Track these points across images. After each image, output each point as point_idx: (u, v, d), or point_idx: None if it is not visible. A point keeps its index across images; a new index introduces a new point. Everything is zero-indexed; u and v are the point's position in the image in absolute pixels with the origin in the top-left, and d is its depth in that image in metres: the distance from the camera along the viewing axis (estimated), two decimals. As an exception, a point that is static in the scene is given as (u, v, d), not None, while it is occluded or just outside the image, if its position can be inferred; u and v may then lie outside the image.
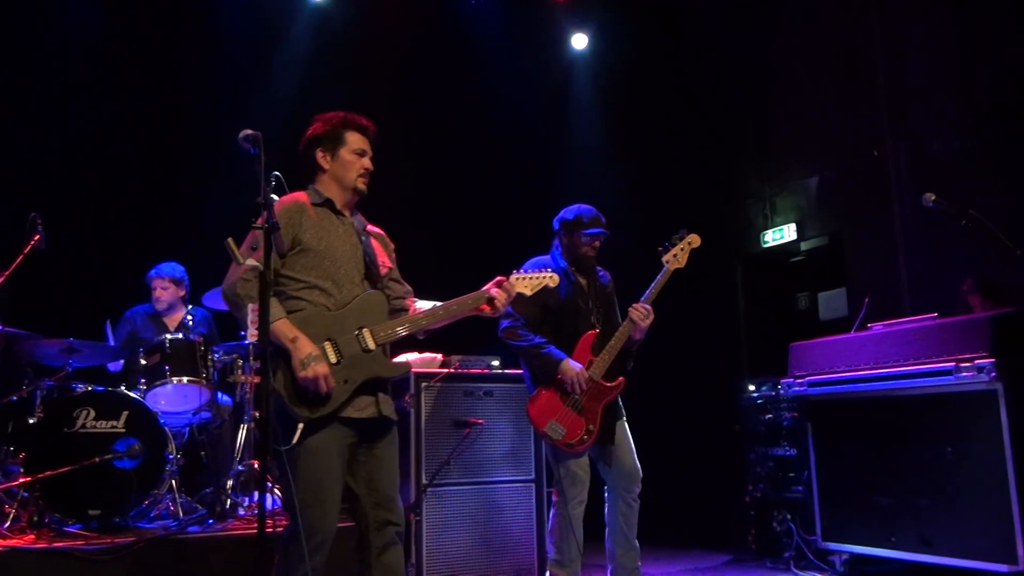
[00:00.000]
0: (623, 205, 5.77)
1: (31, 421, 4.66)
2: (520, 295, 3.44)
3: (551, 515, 4.31)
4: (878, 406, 4.78)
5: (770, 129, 7.61)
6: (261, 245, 2.89)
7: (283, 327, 2.99)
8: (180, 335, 5.06)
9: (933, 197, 4.54)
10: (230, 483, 4.91)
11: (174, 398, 5.00)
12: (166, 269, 5.58)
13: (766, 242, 7.53)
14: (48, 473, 4.27)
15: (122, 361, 5.40)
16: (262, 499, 2.95)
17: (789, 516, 5.52)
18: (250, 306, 3.10)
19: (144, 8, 6.64)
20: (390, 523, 3.18)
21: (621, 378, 4.24)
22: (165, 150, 6.57)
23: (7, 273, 4.67)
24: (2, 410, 4.81)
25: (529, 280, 3.45)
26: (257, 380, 5.03)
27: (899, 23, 6.55)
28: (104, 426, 4.56)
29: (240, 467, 4.97)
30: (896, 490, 4.66)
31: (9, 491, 4.45)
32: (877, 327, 4.97)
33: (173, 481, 4.78)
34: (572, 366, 4.12)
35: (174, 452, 4.80)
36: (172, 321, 5.61)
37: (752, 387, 6.16)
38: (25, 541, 4.10)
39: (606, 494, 4.36)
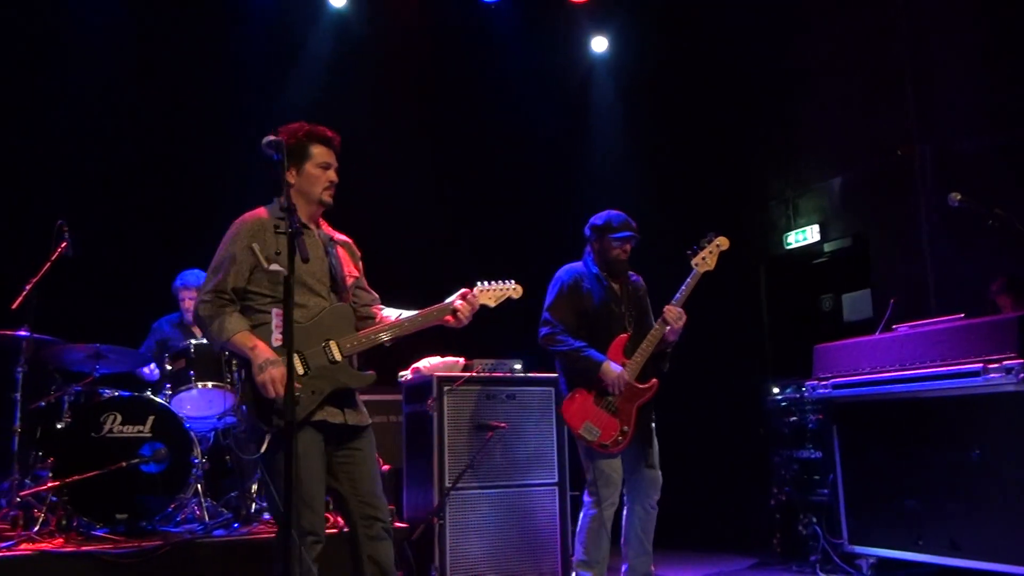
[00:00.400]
0: (644, 207, 5.74)
1: (59, 426, 4.72)
2: (484, 306, 3.42)
3: (581, 516, 4.35)
4: (904, 408, 4.73)
5: (793, 129, 7.56)
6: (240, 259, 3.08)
7: (242, 338, 3.07)
8: (205, 340, 5.10)
9: (959, 196, 4.50)
10: (255, 487, 4.94)
11: (199, 403, 5.05)
12: (190, 278, 5.61)
13: (789, 244, 7.48)
14: (76, 477, 4.32)
15: (157, 369, 5.46)
16: (287, 502, 2.97)
17: (815, 519, 5.47)
18: (274, 310, 3.14)
19: (168, 18, 6.71)
20: (376, 519, 3.23)
21: (654, 380, 4.31)
22: (190, 156, 6.63)
23: (35, 280, 4.73)
24: (31, 415, 4.87)
25: (493, 292, 3.44)
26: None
27: (924, 20, 6.49)
28: (131, 431, 4.61)
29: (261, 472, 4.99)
30: (923, 493, 4.61)
31: (38, 495, 4.50)
32: (903, 328, 4.92)
33: (199, 485, 4.82)
34: (612, 368, 4.21)
35: (199, 456, 4.84)
36: (199, 328, 5.66)
37: (776, 389, 6.11)
38: (54, 545, 4.15)
39: (625, 498, 4.40)
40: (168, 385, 5.05)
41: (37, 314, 4.72)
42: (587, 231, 4.53)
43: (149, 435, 4.62)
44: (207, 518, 4.74)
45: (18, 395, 4.68)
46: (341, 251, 3.45)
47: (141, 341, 5.68)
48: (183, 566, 4.12)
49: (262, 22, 6.97)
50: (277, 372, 3.00)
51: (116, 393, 4.78)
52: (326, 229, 3.46)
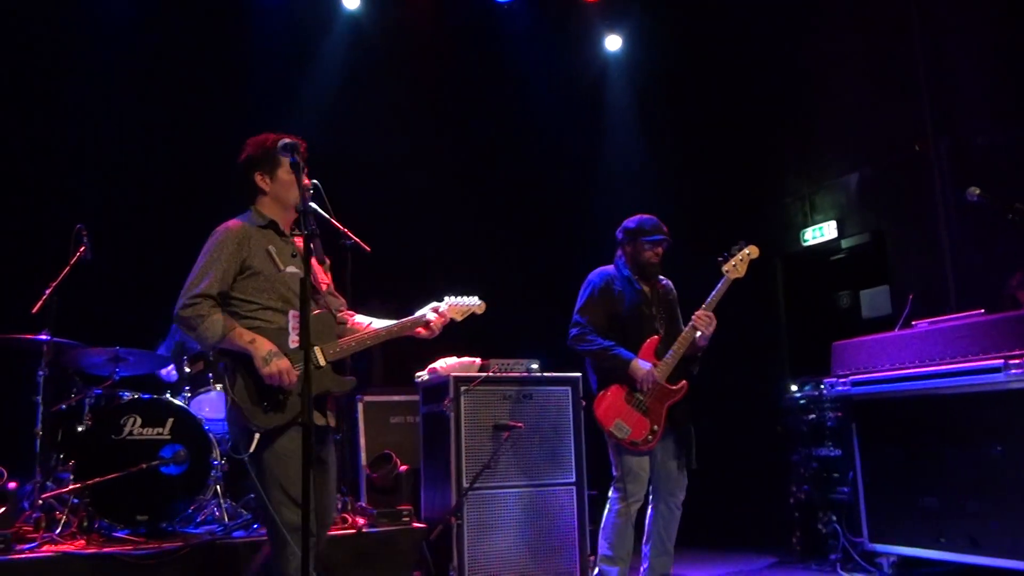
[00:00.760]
0: (660, 206, 5.72)
1: (80, 429, 4.76)
2: (452, 320, 3.58)
3: (607, 511, 4.40)
4: (924, 405, 4.69)
5: (809, 126, 7.51)
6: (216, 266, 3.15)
7: (239, 333, 3.13)
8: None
9: (978, 191, 4.46)
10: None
11: (218, 405, 5.08)
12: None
13: (806, 240, 7.44)
14: (97, 480, 4.36)
15: (175, 371, 5.50)
16: (305, 503, 3.00)
17: (835, 517, 5.44)
18: (291, 312, 3.19)
19: (184, 21, 6.75)
20: (319, 536, 3.29)
21: (684, 381, 4.37)
22: (206, 160, 6.67)
23: (55, 285, 4.78)
24: (52, 418, 4.91)
25: (459, 308, 3.60)
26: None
27: (939, 12, 6.43)
28: (150, 433, 4.65)
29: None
30: (944, 490, 4.57)
31: (60, 497, 4.54)
32: (922, 324, 4.89)
33: (218, 487, 4.85)
34: (642, 365, 4.27)
35: (219, 458, 4.87)
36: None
37: (794, 387, 6.08)
38: (76, 546, 4.19)
39: (650, 497, 4.44)
40: (187, 387, 5.08)
41: (57, 318, 4.76)
42: (619, 234, 4.59)
43: (169, 437, 4.65)
44: (227, 519, 4.77)
45: (39, 398, 4.72)
46: (312, 259, 3.51)
47: (159, 344, 5.72)
48: (203, 567, 4.14)
49: (276, 26, 7.01)
50: (284, 363, 3.09)
51: (136, 396, 4.82)
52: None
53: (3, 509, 4.13)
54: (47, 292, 4.75)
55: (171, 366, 5.55)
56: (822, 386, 5.63)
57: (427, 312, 3.51)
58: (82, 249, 4.88)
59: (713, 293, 4.32)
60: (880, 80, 6.84)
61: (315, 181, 3.35)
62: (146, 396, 4.82)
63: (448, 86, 7.72)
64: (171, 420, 4.70)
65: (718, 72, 7.94)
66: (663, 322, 4.49)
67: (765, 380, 7.00)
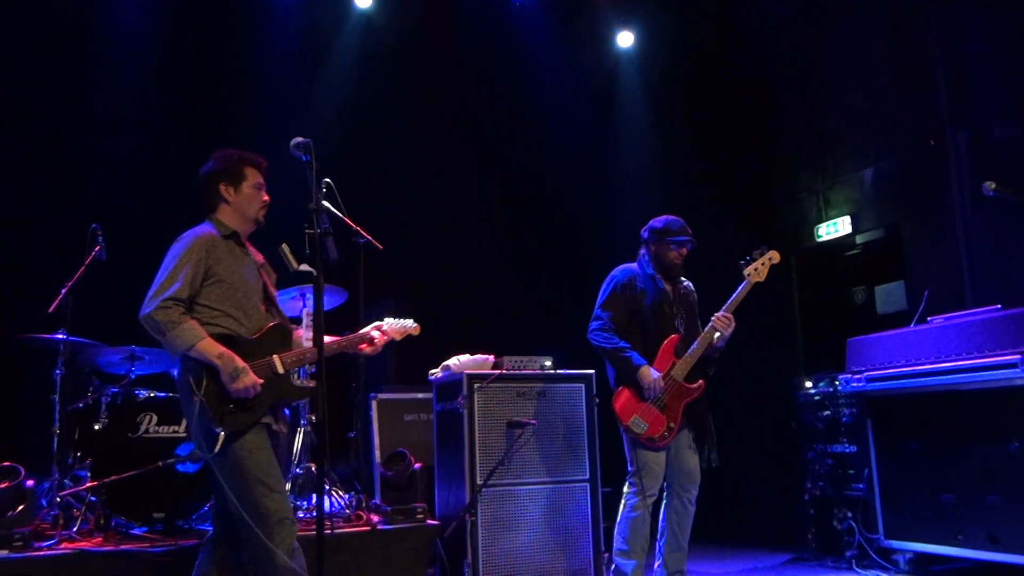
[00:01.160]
0: (673, 202, 5.72)
1: (97, 427, 4.79)
2: (392, 340, 3.80)
3: (622, 506, 4.44)
4: (940, 401, 4.67)
5: (822, 120, 7.46)
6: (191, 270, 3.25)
7: (207, 345, 3.23)
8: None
9: (994, 185, 4.42)
10: (288, 486, 4.98)
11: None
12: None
13: (820, 236, 7.40)
14: (114, 477, 4.39)
15: None
16: (320, 501, 3.05)
17: (850, 514, 5.41)
18: (304, 310, 3.22)
19: (196, 22, 6.78)
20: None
21: (701, 381, 4.43)
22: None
23: (70, 284, 4.81)
24: (69, 417, 4.95)
25: (398, 329, 3.80)
26: (312, 385, 5.10)
27: (957, 6, 6.37)
28: (167, 431, 4.68)
29: (298, 471, 5.04)
30: (961, 487, 4.55)
31: (78, 495, 4.58)
32: (938, 320, 4.86)
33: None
34: (651, 373, 4.31)
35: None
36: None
37: (809, 383, 6.06)
38: (93, 543, 4.22)
39: (665, 493, 4.48)
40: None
41: (73, 317, 4.80)
42: (645, 233, 4.63)
43: (185, 435, 4.68)
44: (242, 517, 4.78)
45: (56, 397, 4.77)
46: (262, 272, 3.65)
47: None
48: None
49: (289, 24, 7.03)
50: (250, 379, 3.23)
51: (152, 394, 4.84)
52: (249, 249, 3.65)
53: (21, 507, 4.16)
54: (62, 292, 4.79)
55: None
56: (837, 382, 5.61)
57: (371, 330, 3.73)
58: (97, 249, 4.91)
59: (733, 296, 4.38)
60: (896, 73, 6.79)
61: (327, 180, 3.36)
62: (162, 394, 4.84)
63: (459, 83, 7.71)
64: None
65: (731, 67, 7.90)
66: (683, 322, 4.53)
67: (780, 376, 6.95)
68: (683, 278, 4.66)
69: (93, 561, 4.02)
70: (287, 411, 5.39)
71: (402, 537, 4.67)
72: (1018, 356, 4.22)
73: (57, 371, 4.79)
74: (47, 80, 6.33)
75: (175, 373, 5.61)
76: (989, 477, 4.40)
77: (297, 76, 7.08)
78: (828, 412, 5.82)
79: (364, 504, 4.93)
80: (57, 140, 6.27)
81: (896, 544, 4.96)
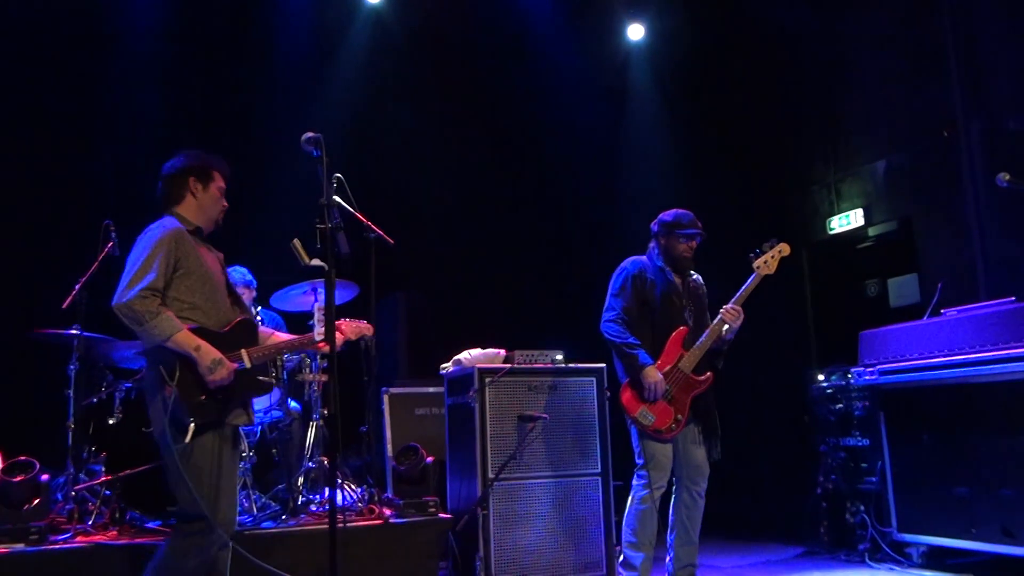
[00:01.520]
0: (685, 194, 5.70)
1: (111, 422, 4.81)
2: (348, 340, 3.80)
3: (630, 498, 4.44)
4: (954, 394, 4.64)
5: (835, 111, 7.43)
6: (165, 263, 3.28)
7: (186, 337, 3.25)
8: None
9: (1008, 176, 4.40)
10: (301, 480, 5.00)
11: (245, 397, 5.10)
12: (236, 276, 5.68)
13: (832, 228, 7.37)
14: (128, 472, 4.41)
15: None
16: (332, 495, 3.06)
17: (863, 508, 5.40)
18: (315, 305, 3.24)
19: (207, 21, 6.80)
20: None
21: (709, 373, 4.42)
22: (231, 155, 6.71)
23: (83, 280, 4.84)
24: (84, 412, 4.97)
25: (353, 328, 3.78)
26: (324, 379, 5.12)
27: (969, -3, 6.34)
28: (180, 426, 4.68)
29: (311, 464, 5.06)
30: (975, 480, 4.52)
31: (92, 489, 4.60)
32: (951, 313, 4.83)
33: (247, 479, 4.88)
34: (652, 373, 4.30)
35: (247, 450, 4.91)
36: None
37: (821, 376, 6.03)
38: (108, 537, 4.25)
39: (674, 486, 4.48)
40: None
41: (87, 312, 4.83)
42: (654, 227, 4.63)
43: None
44: (255, 510, 4.81)
45: (71, 392, 4.79)
46: (219, 268, 3.68)
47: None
48: (233, 557, 4.17)
49: (299, 19, 7.04)
50: (226, 370, 3.28)
51: (165, 389, 4.85)
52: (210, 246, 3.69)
53: (37, 501, 4.20)
54: (76, 288, 4.82)
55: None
56: (850, 375, 5.59)
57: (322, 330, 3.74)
58: (110, 245, 4.93)
59: (743, 288, 4.37)
60: (909, 64, 6.75)
61: (338, 175, 3.37)
62: (175, 389, 4.86)
63: (469, 77, 7.71)
64: (200, 413, 4.73)
65: (742, 59, 7.87)
66: (692, 314, 4.53)
67: (792, 370, 6.94)
68: (693, 272, 4.66)
69: (108, 555, 4.05)
70: (299, 405, 5.46)
71: (414, 530, 4.68)
72: (1032, 348, 4.19)
73: (71, 366, 4.81)
74: (59, 78, 6.36)
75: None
76: (1003, 470, 4.38)
77: (307, 71, 7.09)
78: (841, 405, 5.80)
79: (376, 498, 4.94)
80: (70, 137, 6.31)
81: (909, 538, 4.94)
